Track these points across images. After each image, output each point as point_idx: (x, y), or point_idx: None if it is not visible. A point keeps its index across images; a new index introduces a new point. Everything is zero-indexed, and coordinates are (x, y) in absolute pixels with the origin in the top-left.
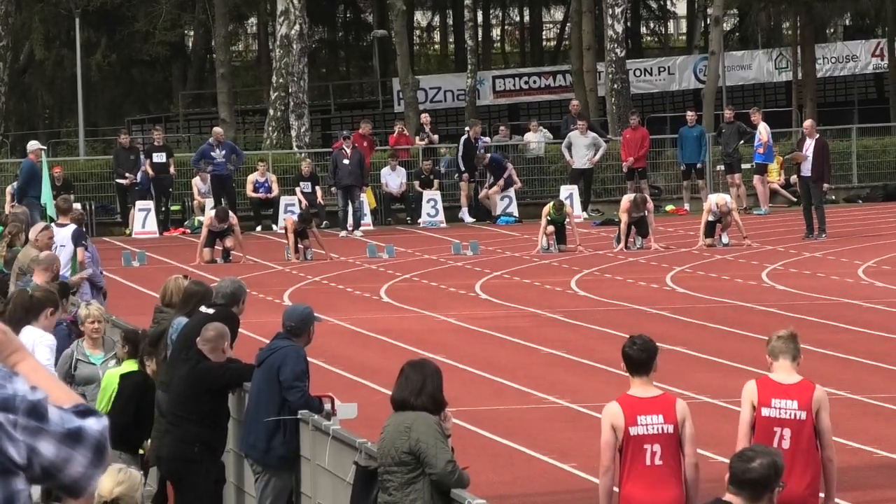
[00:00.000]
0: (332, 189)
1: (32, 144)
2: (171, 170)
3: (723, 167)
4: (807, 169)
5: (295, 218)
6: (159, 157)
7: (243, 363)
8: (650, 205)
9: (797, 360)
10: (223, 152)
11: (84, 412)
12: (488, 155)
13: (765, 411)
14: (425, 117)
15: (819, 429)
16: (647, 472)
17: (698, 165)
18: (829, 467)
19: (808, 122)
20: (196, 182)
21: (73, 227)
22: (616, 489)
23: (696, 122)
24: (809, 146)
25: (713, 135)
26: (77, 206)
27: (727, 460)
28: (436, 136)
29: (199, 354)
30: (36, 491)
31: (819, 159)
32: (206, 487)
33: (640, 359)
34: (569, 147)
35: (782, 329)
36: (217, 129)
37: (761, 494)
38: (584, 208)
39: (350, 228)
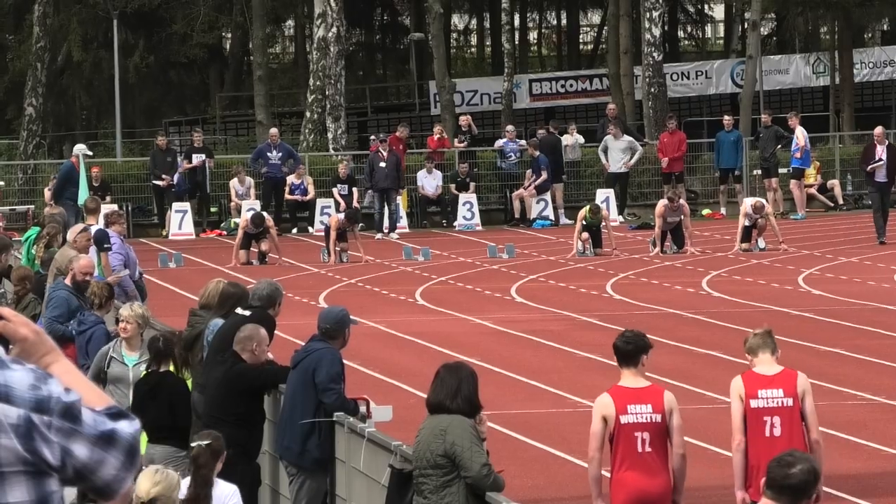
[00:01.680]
0: (369, 191)
1: (78, 148)
2: (209, 166)
3: (760, 171)
4: (882, 175)
5: (340, 216)
6: (198, 159)
7: (279, 365)
8: (686, 209)
9: (776, 354)
10: (279, 154)
11: (117, 415)
12: (536, 153)
13: (753, 403)
14: (464, 119)
15: (804, 413)
16: (639, 458)
17: (736, 172)
18: (817, 449)
19: (878, 129)
20: (233, 184)
21: (95, 227)
22: (607, 474)
23: (733, 126)
24: (882, 152)
25: (751, 139)
26: (114, 206)
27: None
28: (475, 130)
29: (235, 356)
30: (71, 493)
31: (893, 164)
32: (241, 490)
33: (626, 350)
34: (605, 151)
35: (758, 328)
36: (273, 130)
37: (799, 500)
38: (620, 212)
39: (386, 231)
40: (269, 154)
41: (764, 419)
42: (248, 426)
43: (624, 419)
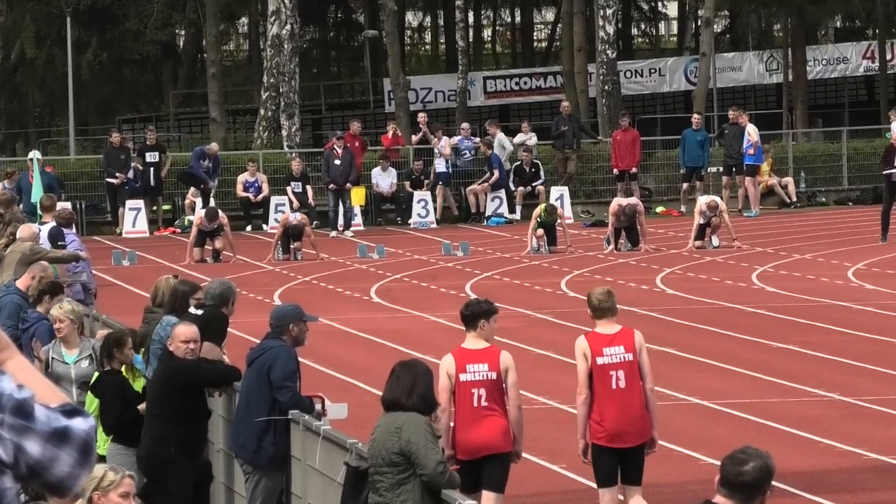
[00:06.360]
0: (331, 186)
1: (32, 153)
2: (164, 171)
3: (721, 168)
4: None
5: (291, 216)
6: (152, 157)
7: (219, 363)
8: (641, 207)
9: (615, 314)
10: (209, 164)
11: (71, 412)
12: (489, 151)
13: (599, 360)
14: (422, 117)
15: (640, 366)
16: (476, 412)
17: (703, 172)
18: (651, 397)
19: None
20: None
21: (50, 225)
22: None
23: (702, 125)
24: None
25: (713, 136)
26: (67, 204)
27: (716, 461)
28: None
29: (170, 353)
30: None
31: None
32: (184, 487)
33: (465, 315)
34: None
35: (599, 287)
36: (213, 145)
37: (753, 497)
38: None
39: (340, 228)
40: (201, 161)
41: (610, 374)
42: (188, 422)
43: (463, 377)
